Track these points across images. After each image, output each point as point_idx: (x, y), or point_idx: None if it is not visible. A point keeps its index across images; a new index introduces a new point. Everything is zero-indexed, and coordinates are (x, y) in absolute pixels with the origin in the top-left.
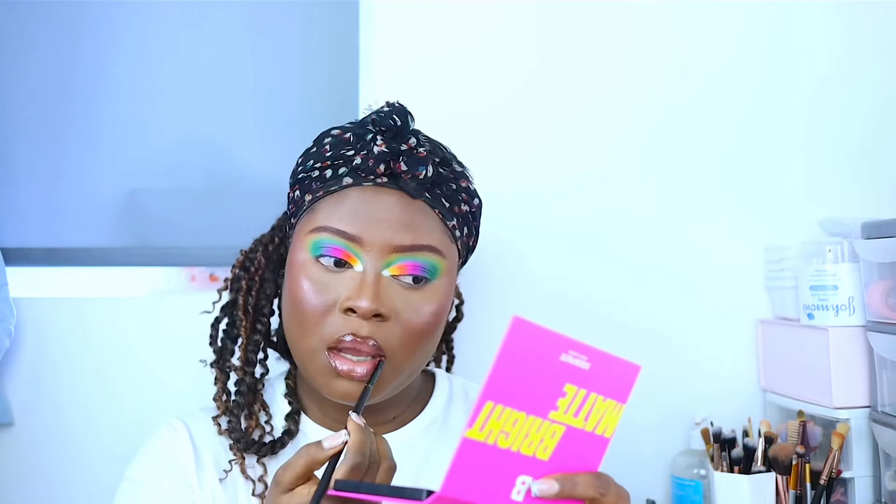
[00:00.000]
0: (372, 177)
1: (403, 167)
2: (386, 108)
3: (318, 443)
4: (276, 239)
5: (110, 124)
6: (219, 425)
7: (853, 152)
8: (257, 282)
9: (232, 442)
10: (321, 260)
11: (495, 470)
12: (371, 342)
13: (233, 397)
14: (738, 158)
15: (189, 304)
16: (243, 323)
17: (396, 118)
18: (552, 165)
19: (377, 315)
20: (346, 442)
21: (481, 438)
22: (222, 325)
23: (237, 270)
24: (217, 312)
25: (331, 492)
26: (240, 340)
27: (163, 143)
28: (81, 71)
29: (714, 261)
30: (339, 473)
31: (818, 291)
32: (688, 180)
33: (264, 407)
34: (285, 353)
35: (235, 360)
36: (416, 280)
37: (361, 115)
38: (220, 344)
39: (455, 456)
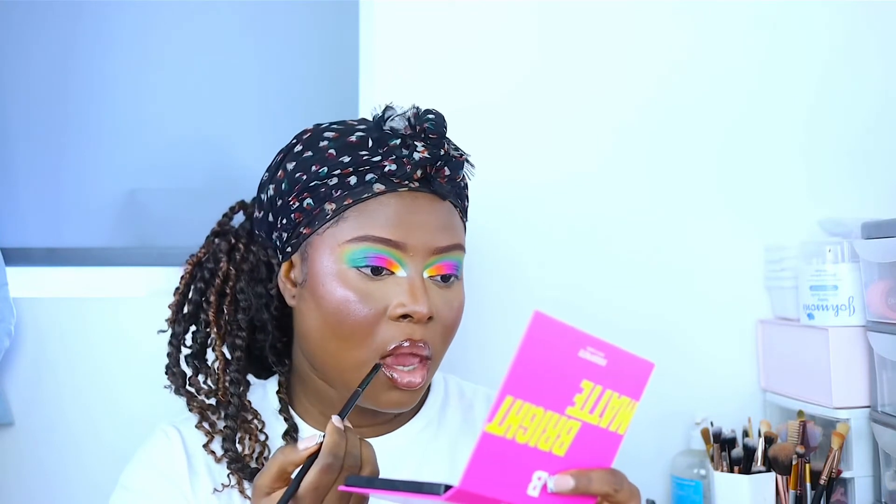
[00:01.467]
0: (407, 182)
1: (447, 171)
2: (430, 116)
3: (294, 445)
4: (241, 246)
5: (110, 124)
6: (213, 453)
7: (853, 152)
8: (228, 294)
9: (229, 462)
10: (360, 269)
11: (513, 465)
12: (421, 343)
13: (221, 424)
14: (738, 158)
15: None
16: (214, 340)
17: (444, 127)
18: (551, 165)
19: (429, 317)
20: (321, 444)
21: (500, 433)
22: (182, 345)
23: (192, 282)
24: (172, 328)
25: (341, 488)
26: (211, 358)
27: (163, 142)
28: (81, 71)
29: (714, 261)
30: (311, 475)
31: (818, 291)
32: (688, 180)
33: (261, 428)
34: (274, 366)
35: (208, 382)
36: (445, 278)
37: (361, 114)
38: (183, 366)
39: (475, 450)
